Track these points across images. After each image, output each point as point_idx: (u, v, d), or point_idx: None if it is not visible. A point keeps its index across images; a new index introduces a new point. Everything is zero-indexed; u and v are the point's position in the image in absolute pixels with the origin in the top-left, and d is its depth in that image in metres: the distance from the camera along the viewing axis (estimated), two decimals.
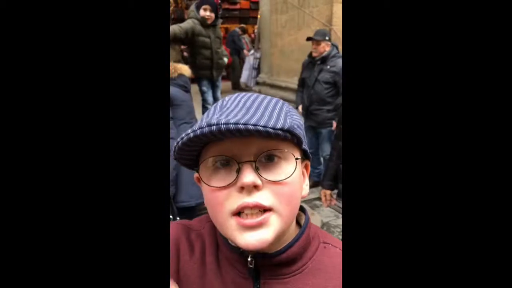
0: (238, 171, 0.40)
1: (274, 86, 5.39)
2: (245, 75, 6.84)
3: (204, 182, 0.43)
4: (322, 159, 2.97)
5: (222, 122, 0.38)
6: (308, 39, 2.76)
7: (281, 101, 0.48)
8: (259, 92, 5.92)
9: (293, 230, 0.49)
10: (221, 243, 0.49)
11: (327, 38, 2.71)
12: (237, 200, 0.40)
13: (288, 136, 0.41)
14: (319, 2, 4.03)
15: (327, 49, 2.71)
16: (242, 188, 0.40)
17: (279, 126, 0.39)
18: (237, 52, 6.95)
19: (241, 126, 0.37)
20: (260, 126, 0.38)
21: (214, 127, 0.38)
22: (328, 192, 1.57)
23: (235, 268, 0.47)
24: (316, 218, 2.53)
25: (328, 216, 2.63)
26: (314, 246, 0.49)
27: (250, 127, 0.38)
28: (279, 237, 0.43)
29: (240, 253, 0.46)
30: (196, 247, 0.50)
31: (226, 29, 7.77)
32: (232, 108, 0.43)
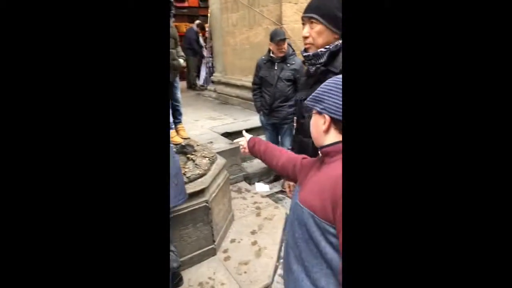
0: None
1: (229, 84, 5.41)
2: (203, 75, 6.78)
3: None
4: None
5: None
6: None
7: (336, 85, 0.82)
8: (214, 91, 5.92)
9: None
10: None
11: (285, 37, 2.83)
12: None
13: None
14: (269, 1, 4.14)
15: (286, 48, 2.83)
16: None
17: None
18: (194, 53, 6.81)
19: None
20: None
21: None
22: (291, 183, 1.66)
23: (319, 159, 0.90)
24: (281, 211, 2.63)
25: None
26: (340, 155, 0.80)
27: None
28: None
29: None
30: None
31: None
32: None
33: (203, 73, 6.82)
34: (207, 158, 2.22)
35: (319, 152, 0.88)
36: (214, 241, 2.10)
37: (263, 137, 3.60)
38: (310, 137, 1.45)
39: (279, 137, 3.09)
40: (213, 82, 6.18)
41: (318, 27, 1.23)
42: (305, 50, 1.31)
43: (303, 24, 1.29)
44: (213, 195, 2.09)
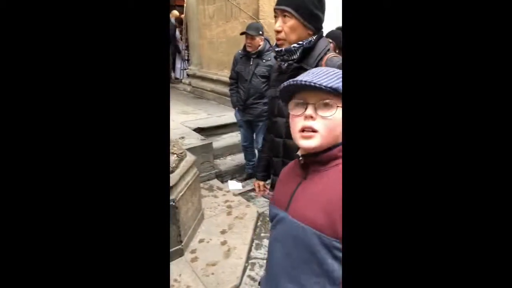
0: (305, 108, 0.71)
1: (205, 78, 5.28)
2: (178, 67, 6.56)
3: (290, 112, 0.75)
4: (256, 151, 3.03)
5: (299, 80, 0.70)
6: (242, 33, 2.75)
7: (337, 70, 0.74)
8: (189, 84, 5.76)
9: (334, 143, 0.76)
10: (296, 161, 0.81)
11: (260, 32, 2.73)
12: (302, 123, 0.71)
13: (335, 92, 0.69)
14: None
15: (261, 43, 2.75)
16: (305, 117, 0.71)
17: (329, 85, 0.68)
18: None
19: (306, 82, 0.69)
20: (317, 84, 0.68)
21: (293, 82, 0.71)
22: (261, 183, 1.61)
23: (297, 166, 0.80)
24: (252, 210, 2.58)
25: (264, 206, 2.71)
26: (339, 159, 0.76)
27: (312, 83, 0.68)
28: (319, 148, 0.72)
29: (299, 157, 0.78)
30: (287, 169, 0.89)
31: None
32: (312, 73, 0.73)
33: (178, 66, 6.63)
34: (175, 155, 2.11)
35: (301, 158, 0.77)
36: (181, 242, 2.02)
37: (238, 134, 3.54)
38: (281, 137, 1.41)
39: (254, 134, 3.02)
40: (188, 75, 6.01)
41: (291, 21, 1.17)
42: (277, 45, 1.25)
43: (275, 17, 1.23)
44: (181, 193, 2.00)
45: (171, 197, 1.90)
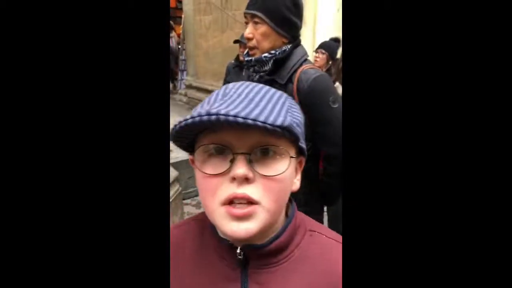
0: (232, 161, 0.41)
1: (201, 89, 5.19)
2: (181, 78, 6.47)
3: (198, 168, 0.44)
4: None
5: (222, 113, 0.38)
6: (236, 41, 2.65)
7: (284, 95, 0.47)
8: (185, 95, 5.67)
9: (281, 221, 0.50)
10: (210, 236, 0.50)
11: None
12: (228, 189, 0.41)
13: (286, 134, 0.41)
14: (241, 5, 3.97)
15: None
16: (233, 179, 0.41)
17: (278, 123, 0.39)
18: None
19: (239, 120, 0.38)
20: (259, 121, 0.38)
21: (213, 117, 0.38)
22: None
23: (224, 259, 0.48)
24: None
25: None
26: (300, 234, 0.50)
27: (249, 121, 0.38)
28: (265, 229, 0.44)
29: (230, 244, 0.47)
30: (188, 243, 0.53)
31: None
32: (234, 98, 0.43)
33: (182, 77, 6.51)
34: None
35: (239, 250, 0.46)
36: None
37: None
38: None
39: None
40: (185, 85, 5.93)
41: (263, 28, 1.04)
42: (248, 54, 1.13)
43: (246, 23, 1.11)
44: None
45: None
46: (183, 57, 6.31)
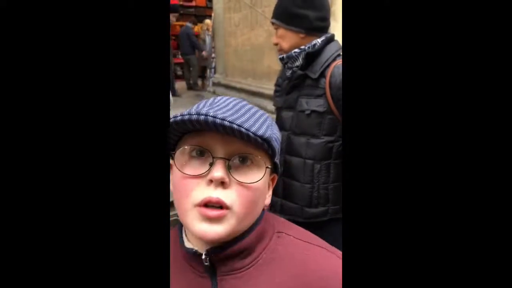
0: (211, 165, 0.43)
1: (229, 87, 5.22)
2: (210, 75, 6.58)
3: (177, 168, 0.45)
4: None
5: (210, 115, 0.41)
6: None
7: (266, 114, 0.51)
8: (214, 93, 5.74)
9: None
10: (178, 246, 0.51)
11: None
12: (203, 192, 0.43)
13: (265, 146, 0.45)
14: (271, 1, 3.94)
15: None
16: (210, 181, 0.43)
17: (259, 133, 0.43)
18: (193, 50, 6.62)
19: (226, 123, 0.41)
20: (243, 128, 0.41)
21: (202, 117, 0.41)
22: None
23: (192, 267, 0.49)
24: None
25: None
26: (268, 236, 0.51)
27: (234, 126, 0.41)
28: (233, 234, 0.46)
29: (194, 252, 0.48)
30: None
31: (181, 27, 7.43)
32: (222, 106, 0.46)
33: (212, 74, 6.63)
34: None
35: (204, 256, 0.46)
36: None
37: None
38: (295, 155, 1.23)
39: None
40: (213, 83, 6.01)
41: (279, 31, 1.17)
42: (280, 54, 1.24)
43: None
44: None
45: None
46: (213, 55, 6.39)
